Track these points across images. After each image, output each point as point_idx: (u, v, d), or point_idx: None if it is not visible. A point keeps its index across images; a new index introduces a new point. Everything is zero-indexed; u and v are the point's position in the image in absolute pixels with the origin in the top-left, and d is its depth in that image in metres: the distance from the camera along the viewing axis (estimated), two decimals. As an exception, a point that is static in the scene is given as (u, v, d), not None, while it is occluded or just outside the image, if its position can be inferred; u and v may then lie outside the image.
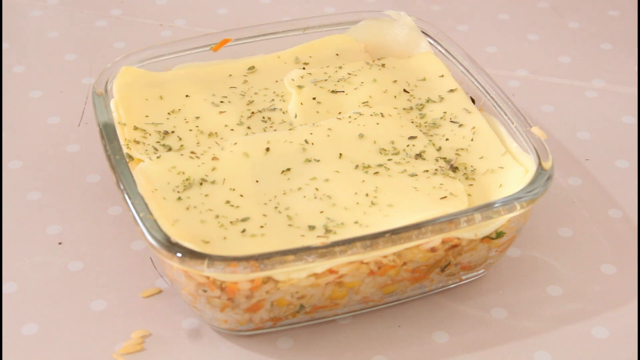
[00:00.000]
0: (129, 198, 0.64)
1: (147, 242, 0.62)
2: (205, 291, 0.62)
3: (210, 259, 0.60)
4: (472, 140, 0.70)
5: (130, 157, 0.68)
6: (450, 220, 0.63)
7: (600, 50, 0.90)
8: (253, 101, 0.74)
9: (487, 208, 0.63)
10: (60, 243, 0.72)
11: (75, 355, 0.65)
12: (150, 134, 0.70)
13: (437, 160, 0.69)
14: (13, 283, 0.70)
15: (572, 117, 0.83)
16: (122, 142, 0.69)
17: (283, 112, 0.73)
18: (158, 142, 0.70)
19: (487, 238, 0.65)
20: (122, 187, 0.65)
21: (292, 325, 0.66)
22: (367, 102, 0.73)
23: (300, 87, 0.74)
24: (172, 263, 0.61)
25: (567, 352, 0.65)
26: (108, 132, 0.69)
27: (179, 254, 0.61)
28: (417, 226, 0.62)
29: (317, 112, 0.73)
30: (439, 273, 0.66)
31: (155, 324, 0.67)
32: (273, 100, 0.74)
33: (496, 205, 0.64)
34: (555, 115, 0.83)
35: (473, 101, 0.74)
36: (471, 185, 0.68)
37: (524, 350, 0.66)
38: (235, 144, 0.69)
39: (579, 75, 0.87)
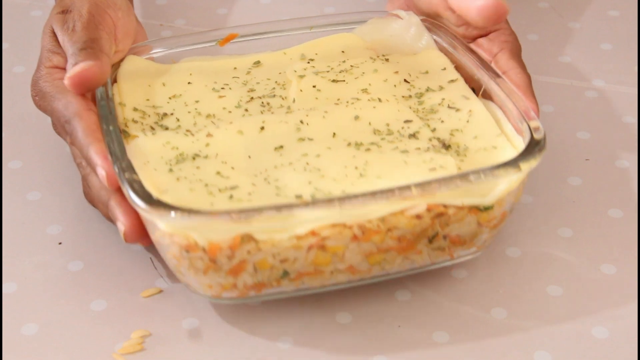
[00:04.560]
0: (117, 160, 0.64)
1: (129, 199, 0.62)
2: (187, 252, 0.63)
3: (181, 209, 0.61)
4: (467, 122, 0.71)
5: (127, 133, 0.69)
6: (432, 181, 0.63)
7: (600, 50, 0.90)
8: (254, 89, 0.74)
9: (471, 172, 0.63)
10: (60, 243, 0.72)
11: (75, 355, 0.65)
12: (149, 115, 0.71)
13: (430, 139, 0.69)
14: (13, 283, 0.70)
15: (572, 117, 0.83)
16: (120, 120, 0.70)
17: (282, 98, 0.73)
18: (156, 122, 0.71)
19: (475, 209, 0.65)
20: (110, 150, 0.65)
21: (278, 295, 0.66)
22: (365, 89, 0.73)
23: (301, 76, 0.74)
24: (143, 212, 0.62)
25: (567, 352, 0.65)
26: (104, 107, 0.69)
27: (155, 206, 0.61)
28: (398, 187, 0.62)
29: (316, 98, 0.73)
30: (427, 245, 0.66)
31: (155, 324, 0.67)
32: (274, 88, 0.74)
33: (481, 170, 0.64)
34: (555, 115, 0.83)
35: (474, 91, 0.74)
36: (462, 161, 0.68)
37: (524, 350, 0.66)
38: (230, 123, 0.70)
39: (579, 75, 0.87)
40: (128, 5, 0.75)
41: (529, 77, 0.73)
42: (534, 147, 0.66)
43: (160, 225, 0.63)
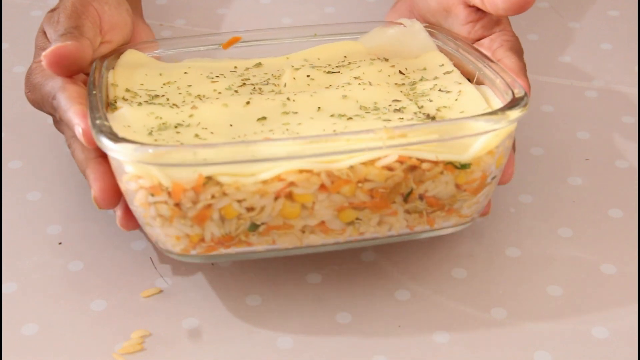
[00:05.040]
0: (92, 112, 0.65)
1: (97, 142, 0.63)
2: (152, 195, 0.63)
3: (141, 143, 0.62)
4: (456, 100, 0.70)
5: (114, 106, 0.69)
6: (401, 126, 0.63)
7: (600, 50, 0.90)
8: (248, 79, 0.74)
9: (444, 121, 0.64)
10: (60, 243, 0.72)
11: (75, 355, 0.65)
12: (140, 96, 0.71)
13: (415, 113, 0.69)
14: (13, 283, 0.70)
15: (572, 117, 0.83)
16: (110, 98, 0.70)
17: (275, 85, 0.73)
18: (146, 101, 0.71)
19: (451, 166, 0.64)
20: (89, 107, 0.66)
21: (249, 255, 0.65)
22: (359, 77, 0.73)
23: (296, 68, 0.74)
24: (109, 152, 0.63)
25: (567, 352, 0.65)
26: (90, 80, 0.69)
27: (109, 139, 0.62)
28: (365, 130, 0.63)
29: (308, 84, 0.73)
30: (402, 204, 0.65)
31: (155, 324, 0.67)
32: (268, 79, 0.74)
33: (453, 119, 0.64)
34: (555, 115, 0.83)
35: (470, 81, 0.74)
36: None
37: (524, 350, 0.66)
38: (217, 98, 0.70)
39: (579, 75, 0.87)
40: (118, 1, 0.76)
41: (524, 64, 0.73)
42: (514, 101, 0.65)
43: (127, 168, 0.63)
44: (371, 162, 0.63)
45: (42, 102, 0.71)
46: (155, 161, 0.62)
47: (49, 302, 0.68)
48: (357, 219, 0.65)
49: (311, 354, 0.66)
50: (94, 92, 0.67)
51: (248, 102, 0.70)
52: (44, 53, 0.69)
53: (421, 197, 0.65)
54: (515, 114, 0.65)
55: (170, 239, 0.65)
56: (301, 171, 0.63)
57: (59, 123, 0.72)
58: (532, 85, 0.84)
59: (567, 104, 0.84)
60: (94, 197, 0.67)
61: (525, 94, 0.66)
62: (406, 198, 0.65)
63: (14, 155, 0.79)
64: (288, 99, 0.70)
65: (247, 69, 0.76)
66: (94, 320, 0.67)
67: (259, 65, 0.77)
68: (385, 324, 0.67)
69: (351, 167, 0.63)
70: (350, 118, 0.68)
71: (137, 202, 0.64)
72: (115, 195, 0.67)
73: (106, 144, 0.63)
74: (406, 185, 0.64)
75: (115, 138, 0.63)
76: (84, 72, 0.71)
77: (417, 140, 0.63)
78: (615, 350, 0.66)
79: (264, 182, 0.63)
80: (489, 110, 0.68)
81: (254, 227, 0.64)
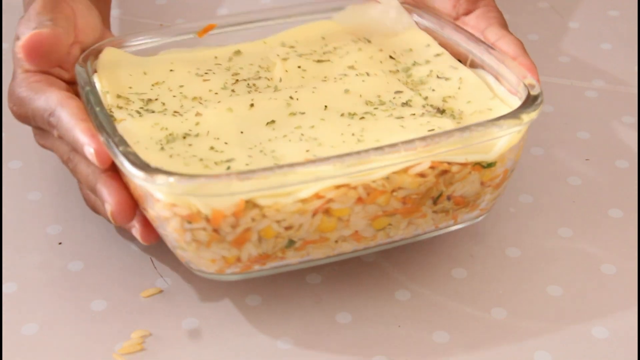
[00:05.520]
0: (108, 135, 0.63)
1: (127, 173, 0.62)
2: (190, 223, 0.62)
3: (179, 174, 0.60)
4: (459, 88, 0.71)
5: (114, 118, 0.68)
6: (435, 135, 0.63)
7: (600, 50, 0.90)
8: (238, 73, 0.73)
9: (473, 125, 0.64)
10: (60, 243, 0.72)
11: (75, 355, 0.65)
12: (133, 102, 0.70)
13: (424, 106, 0.69)
14: (13, 283, 0.70)
15: (572, 117, 0.83)
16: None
17: (268, 79, 0.73)
18: (141, 107, 0.69)
19: (479, 166, 0.65)
20: (100, 129, 0.64)
21: (283, 268, 0.65)
22: (352, 66, 0.73)
23: (285, 59, 0.74)
24: (141, 182, 0.61)
25: (567, 352, 0.65)
26: (88, 92, 0.68)
27: (146, 168, 0.61)
28: (402, 142, 0.62)
29: (302, 77, 0.73)
30: (431, 206, 0.65)
31: (155, 324, 0.67)
32: (258, 72, 0.74)
33: (483, 122, 0.64)
34: (555, 115, 0.83)
35: (461, 62, 0.74)
36: (459, 123, 0.68)
37: (524, 350, 0.66)
38: (219, 102, 0.69)
39: (579, 75, 0.87)
40: (89, 5, 0.74)
41: (520, 42, 0.73)
42: (532, 100, 0.66)
43: (160, 195, 0.62)
44: (404, 171, 0.63)
45: (33, 117, 0.69)
46: (196, 193, 0.61)
47: (49, 302, 0.68)
48: (388, 224, 0.65)
49: (311, 354, 0.66)
50: (98, 108, 0.66)
51: (252, 105, 0.69)
52: (19, 43, 0.67)
53: (449, 198, 0.66)
54: (535, 113, 0.65)
55: (205, 261, 0.64)
56: (338, 186, 0.63)
57: (48, 138, 0.70)
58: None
59: (567, 104, 0.84)
60: (110, 212, 0.65)
61: (541, 91, 0.67)
62: (436, 201, 0.65)
63: (14, 155, 0.79)
64: (291, 97, 0.70)
65: (230, 60, 0.75)
66: (94, 320, 0.67)
67: (238, 52, 0.76)
68: (385, 324, 0.67)
69: (387, 178, 0.63)
70: (362, 117, 0.68)
71: (171, 229, 0.63)
72: (132, 209, 0.65)
73: (138, 174, 0.61)
74: (437, 189, 0.65)
75: (149, 169, 0.61)
76: (62, 67, 0.70)
77: (450, 149, 0.64)
78: (615, 350, 0.66)
79: (303, 200, 0.62)
80: (492, 97, 0.69)
81: (291, 243, 0.64)
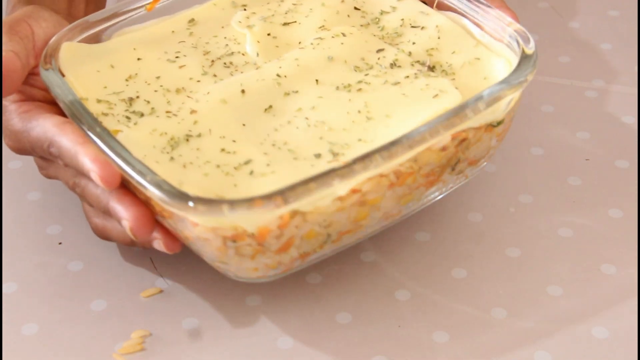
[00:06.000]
0: (129, 164, 0.61)
1: (163, 204, 0.60)
2: (234, 242, 0.61)
3: (232, 204, 0.59)
4: (439, 38, 0.71)
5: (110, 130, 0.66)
6: (458, 112, 0.63)
7: (600, 50, 0.90)
8: (209, 51, 0.72)
9: (486, 94, 0.64)
10: (60, 243, 0.72)
11: (75, 355, 0.65)
12: (115, 104, 0.68)
13: (412, 65, 0.69)
14: (13, 283, 0.70)
15: (572, 117, 0.83)
16: None
17: (242, 54, 0.72)
18: (127, 110, 0.67)
19: (490, 126, 0.66)
20: (115, 155, 0.62)
21: (319, 259, 0.66)
22: (323, 26, 0.73)
23: (250, 26, 0.73)
24: (197, 219, 0.60)
25: (567, 352, 0.65)
26: (76, 109, 0.65)
27: (201, 205, 0.59)
28: (429, 126, 0.62)
29: (277, 46, 0.72)
30: (450, 173, 0.66)
31: (155, 324, 0.67)
32: (227, 45, 0.72)
33: (499, 87, 0.64)
34: (555, 115, 0.83)
35: (425, 3, 0.74)
36: (453, 79, 0.68)
37: (524, 350, 0.66)
38: (208, 93, 0.68)
39: (579, 75, 0.87)
40: (60, 21, 0.71)
41: None
42: (529, 61, 0.66)
43: (201, 221, 0.60)
44: (428, 148, 0.64)
45: (32, 149, 0.67)
46: (242, 217, 0.60)
47: (49, 302, 0.68)
48: (412, 198, 0.66)
49: (311, 354, 0.66)
50: (98, 129, 0.63)
51: (243, 91, 0.68)
52: None
53: (464, 161, 0.67)
54: (533, 73, 0.66)
55: (247, 271, 0.64)
56: (371, 178, 0.63)
57: (50, 167, 0.69)
58: (532, 85, 0.85)
59: (567, 104, 0.84)
60: (130, 228, 0.63)
61: (535, 52, 0.67)
62: (454, 167, 0.66)
63: (14, 155, 0.79)
64: (278, 75, 0.69)
65: (191, 34, 0.73)
66: (94, 320, 0.67)
67: (193, 22, 0.74)
68: (385, 324, 0.67)
69: (414, 160, 0.64)
70: (359, 89, 0.68)
71: (212, 248, 0.62)
72: (152, 221, 0.63)
73: (175, 204, 0.59)
74: (456, 156, 0.66)
75: (187, 197, 0.59)
76: (35, 85, 0.68)
77: (470, 125, 0.65)
78: (615, 350, 0.66)
79: (341, 198, 0.62)
80: (476, 44, 0.70)
81: (328, 237, 0.64)
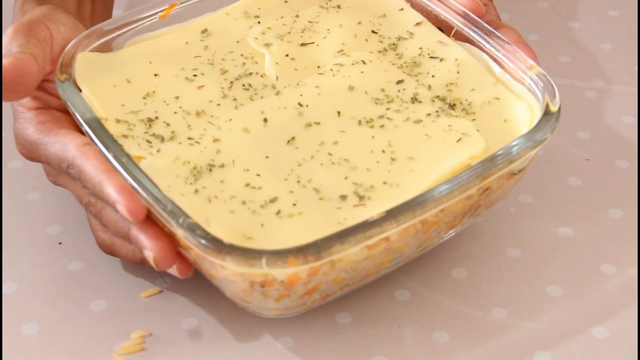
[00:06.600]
0: (160, 205, 0.61)
1: (196, 249, 0.60)
2: (263, 287, 0.61)
3: (268, 255, 0.59)
4: (458, 72, 0.71)
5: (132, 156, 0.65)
6: (489, 168, 0.63)
7: (600, 50, 0.90)
8: (226, 70, 0.71)
9: (514, 148, 0.64)
10: (60, 243, 0.72)
11: (75, 355, 0.65)
12: (134, 125, 0.67)
13: (432, 100, 0.69)
14: (13, 283, 0.70)
15: (572, 117, 0.83)
16: None
17: (261, 76, 0.71)
18: (146, 132, 0.67)
19: (512, 174, 0.66)
20: (144, 191, 0.61)
21: (337, 296, 0.66)
22: (341, 50, 0.72)
23: (267, 45, 0.72)
24: (228, 265, 0.59)
25: (567, 352, 0.65)
26: (98, 130, 0.65)
27: (237, 256, 0.59)
28: (459, 181, 0.62)
29: (295, 69, 0.71)
30: (469, 217, 0.67)
31: (155, 324, 0.67)
32: (244, 64, 0.72)
33: (521, 144, 0.64)
34: (555, 115, 0.83)
35: (442, 32, 0.74)
36: (474, 120, 0.68)
37: (524, 350, 0.66)
38: (230, 120, 0.67)
39: (579, 75, 0.87)
40: (76, 25, 0.71)
41: (518, 34, 0.73)
42: (552, 118, 0.67)
43: (232, 266, 0.60)
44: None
45: (47, 162, 0.67)
46: (276, 271, 0.60)
47: (49, 302, 0.68)
48: (431, 239, 0.66)
49: (311, 354, 0.66)
50: (124, 159, 0.62)
51: (265, 120, 0.67)
52: None
53: (484, 205, 0.67)
54: (557, 126, 0.67)
55: (269, 310, 0.64)
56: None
57: (60, 178, 0.68)
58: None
59: (567, 104, 0.84)
60: (153, 259, 0.62)
61: (560, 107, 0.68)
62: (474, 212, 0.66)
63: (14, 155, 0.79)
64: (300, 104, 0.68)
65: (205, 47, 0.72)
66: (94, 320, 0.67)
67: (206, 32, 0.73)
68: (385, 324, 0.67)
69: (442, 210, 0.63)
70: (381, 125, 0.67)
71: (237, 288, 0.62)
72: (174, 253, 0.63)
73: (210, 251, 0.59)
74: (478, 203, 0.66)
75: (223, 246, 0.59)
76: (50, 92, 0.68)
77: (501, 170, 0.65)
78: (615, 350, 0.66)
79: (369, 247, 0.62)
80: (495, 82, 0.70)
81: (351, 281, 0.64)
